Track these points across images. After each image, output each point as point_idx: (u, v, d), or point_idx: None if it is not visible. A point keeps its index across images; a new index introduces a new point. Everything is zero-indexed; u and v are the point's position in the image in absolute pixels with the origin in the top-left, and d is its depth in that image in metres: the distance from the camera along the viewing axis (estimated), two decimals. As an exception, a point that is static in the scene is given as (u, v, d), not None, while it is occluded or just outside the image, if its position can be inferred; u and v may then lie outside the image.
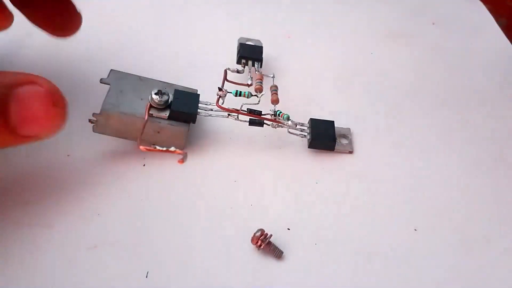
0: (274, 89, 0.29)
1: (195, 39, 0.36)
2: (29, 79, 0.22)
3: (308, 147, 0.29)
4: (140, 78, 0.29)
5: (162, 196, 0.27)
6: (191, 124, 0.28)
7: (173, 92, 0.28)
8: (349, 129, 0.30)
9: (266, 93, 0.29)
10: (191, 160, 0.29)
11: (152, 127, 0.27)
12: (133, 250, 0.25)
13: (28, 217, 0.27)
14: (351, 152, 0.29)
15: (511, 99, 0.33)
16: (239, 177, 0.28)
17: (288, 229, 0.26)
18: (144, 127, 0.26)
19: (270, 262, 0.25)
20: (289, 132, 0.29)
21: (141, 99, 0.27)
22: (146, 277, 0.24)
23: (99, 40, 0.36)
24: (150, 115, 0.27)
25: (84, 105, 0.30)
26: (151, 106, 0.27)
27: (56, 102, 0.22)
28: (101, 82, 0.28)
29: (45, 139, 0.23)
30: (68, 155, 0.29)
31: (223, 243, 0.26)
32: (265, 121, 0.28)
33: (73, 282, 0.24)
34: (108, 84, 0.28)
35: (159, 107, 0.27)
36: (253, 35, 0.35)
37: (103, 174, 0.28)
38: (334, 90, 0.34)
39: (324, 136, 0.29)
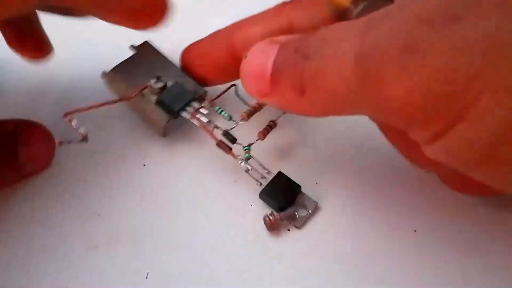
0: (270, 125, 0.27)
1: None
2: (30, 125, 0.26)
3: (259, 196, 0.27)
4: (166, 60, 0.29)
5: (162, 196, 0.28)
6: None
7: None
8: (316, 203, 0.27)
9: (255, 124, 0.27)
10: (191, 160, 0.29)
11: (140, 105, 0.28)
12: (134, 251, 0.25)
13: (28, 217, 0.27)
14: (297, 227, 0.26)
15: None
16: (239, 177, 0.28)
17: (288, 230, 0.26)
18: (128, 100, 0.27)
19: (270, 264, 0.25)
20: (246, 171, 0.27)
21: (151, 78, 0.28)
22: (146, 277, 0.24)
23: (100, 40, 0.35)
24: (141, 94, 0.28)
25: (83, 104, 0.30)
26: (146, 88, 0.28)
27: (52, 143, 0.27)
28: (130, 48, 0.29)
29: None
30: (68, 155, 0.29)
31: (224, 243, 0.26)
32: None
33: (73, 283, 0.24)
34: (134, 51, 0.29)
35: (153, 92, 0.28)
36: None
37: (103, 174, 0.28)
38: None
39: (277, 196, 0.26)
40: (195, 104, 0.28)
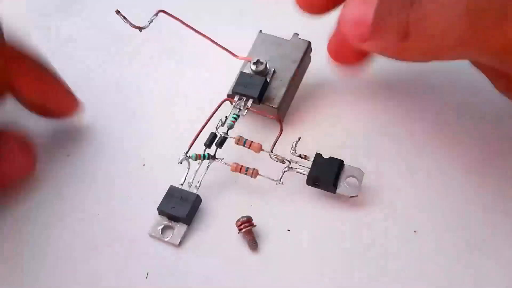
0: (249, 223, 0.26)
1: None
2: (4, 134, 0.25)
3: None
4: (297, 64, 0.29)
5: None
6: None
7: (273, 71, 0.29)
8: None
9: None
10: (191, 160, 0.29)
11: (241, 68, 0.29)
12: (134, 251, 0.25)
13: (28, 218, 0.27)
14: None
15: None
16: (239, 177, 0.28)
17: (288, 230, 0.26)
18: (233, 55, 0.29)
19: (270, 264, 0.25)
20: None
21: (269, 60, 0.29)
22: (146, 277, 0.25)
23: (102, 42, 0.35)
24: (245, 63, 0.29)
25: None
26: (249, 61, 0.29)
27: (32, 154, 0.26)
28: (294, 34, 0.30)
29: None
30: (68, 155, 0.29)
31: (224, 243, 0.26)
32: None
33: (73, 283, 0.24)
34: (293, 37, 0.30)
35: (249, 67, 0.29)
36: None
37: (103, 174, 0.28)
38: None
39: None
40: (243, 99, 0.28)
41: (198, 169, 0.27)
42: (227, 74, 0.29)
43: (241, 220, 0.25)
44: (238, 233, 0.25)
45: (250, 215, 0.26)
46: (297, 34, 0.30)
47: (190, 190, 0.26)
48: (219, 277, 0.25)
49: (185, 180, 0.27)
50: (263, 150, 0.27)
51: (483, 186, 0.28)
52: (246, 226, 0.25)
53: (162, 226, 0.26)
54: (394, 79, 0.33)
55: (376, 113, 0.31)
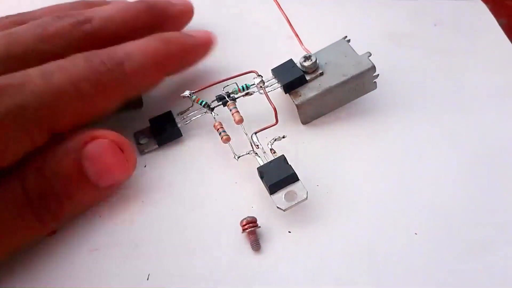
0: (253, 224, 0.26)
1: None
2: (91, 136, 0.25)
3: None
4: (342, 77, 0.29)
5: (163, 197, 0.28)
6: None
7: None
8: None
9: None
10: (191, 161, 0.29)
11: None
12: (135, 253, 0.25)
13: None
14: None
15: None
16: (240, 178, 0.28)
17: (289, 232, 0.26)
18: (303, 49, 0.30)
19: (272, 264, 0.25)
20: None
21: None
22: (147, 279, 0.25)
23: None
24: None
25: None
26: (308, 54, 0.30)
27: (122, 147, 0.25)
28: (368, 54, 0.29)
29: (125, 181, 0.27)
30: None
31: (225, 245, 0.26)
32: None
33: (74, 285, 0.24)
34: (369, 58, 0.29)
35: (309, 70, 0.29)
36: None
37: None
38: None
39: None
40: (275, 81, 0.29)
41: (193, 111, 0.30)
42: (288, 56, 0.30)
43: (246, 220, 0.25)
44: (242, 232, 0.25)
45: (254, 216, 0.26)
46: (370, 54, 0.29)
47: (179, 123, 0.29)
48: (221, 277, 0.25)
49: (182, 114, 0.30)
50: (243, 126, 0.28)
51: (484, 187, 0.28)
52: (251, 227, 0.25)
53: (144, 135, 0.30)
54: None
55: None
